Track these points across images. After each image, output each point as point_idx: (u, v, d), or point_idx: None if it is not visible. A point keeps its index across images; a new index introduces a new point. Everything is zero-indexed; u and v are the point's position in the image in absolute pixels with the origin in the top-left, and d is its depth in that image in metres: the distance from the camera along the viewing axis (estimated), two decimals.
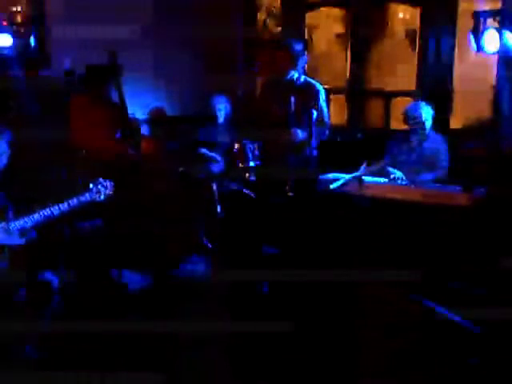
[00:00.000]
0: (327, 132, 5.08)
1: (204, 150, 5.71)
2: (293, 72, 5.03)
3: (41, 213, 3.71)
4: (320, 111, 4.91)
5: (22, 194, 3.90)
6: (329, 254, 4.38)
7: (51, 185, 4.41)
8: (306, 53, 5.24)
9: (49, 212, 3.71)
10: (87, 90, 5.22)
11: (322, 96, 5.05)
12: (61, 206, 3.74)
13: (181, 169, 5.50)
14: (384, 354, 3.41)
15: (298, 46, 5.05)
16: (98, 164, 4.70)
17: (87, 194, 3.83)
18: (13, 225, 3.67)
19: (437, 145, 5.10)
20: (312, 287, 4.01)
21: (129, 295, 4.35)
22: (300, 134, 4.91)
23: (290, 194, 4.61)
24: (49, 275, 4.09)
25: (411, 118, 5.10)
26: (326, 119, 5.06)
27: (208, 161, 5.62)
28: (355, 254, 4.29)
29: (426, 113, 5.07)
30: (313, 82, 5.14)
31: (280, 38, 7.03)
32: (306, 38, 7.13)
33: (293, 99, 4.80)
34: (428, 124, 5.07)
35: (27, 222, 3.69)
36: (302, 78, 5.10)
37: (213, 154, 5.65)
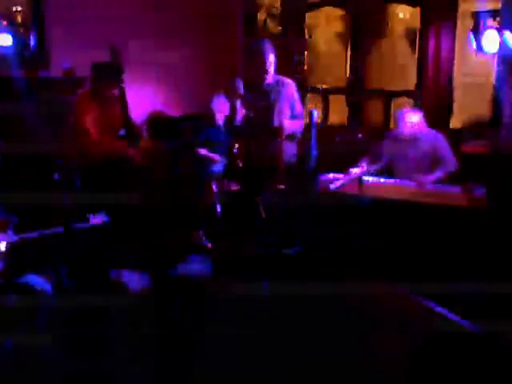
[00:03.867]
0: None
1: (204, 151, 5.71)
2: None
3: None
4: None
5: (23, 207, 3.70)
6: (328, 254, 4.37)
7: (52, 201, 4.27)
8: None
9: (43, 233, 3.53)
10: (91, 88, 5.16)
11: None
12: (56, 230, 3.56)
13: (181, 169, 5.50)
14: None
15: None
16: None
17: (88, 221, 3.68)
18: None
19: (435, 142, 5.09)
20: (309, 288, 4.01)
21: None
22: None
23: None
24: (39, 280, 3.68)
25: (399, 126, 5.15)
26: None
27: (208, 161, 5.63)
28: (354, 253, 4.29)
29: (411, 118, 5.08)
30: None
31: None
32: (306, 37, 7.15)
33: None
34: (417, 127, 5.08)
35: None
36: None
37: (212, 155, 5.66)
